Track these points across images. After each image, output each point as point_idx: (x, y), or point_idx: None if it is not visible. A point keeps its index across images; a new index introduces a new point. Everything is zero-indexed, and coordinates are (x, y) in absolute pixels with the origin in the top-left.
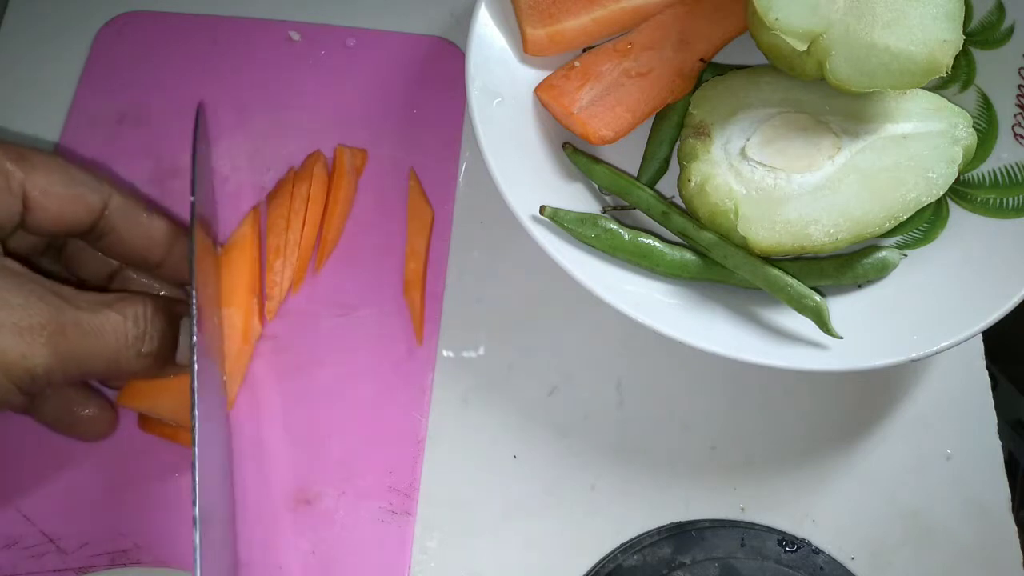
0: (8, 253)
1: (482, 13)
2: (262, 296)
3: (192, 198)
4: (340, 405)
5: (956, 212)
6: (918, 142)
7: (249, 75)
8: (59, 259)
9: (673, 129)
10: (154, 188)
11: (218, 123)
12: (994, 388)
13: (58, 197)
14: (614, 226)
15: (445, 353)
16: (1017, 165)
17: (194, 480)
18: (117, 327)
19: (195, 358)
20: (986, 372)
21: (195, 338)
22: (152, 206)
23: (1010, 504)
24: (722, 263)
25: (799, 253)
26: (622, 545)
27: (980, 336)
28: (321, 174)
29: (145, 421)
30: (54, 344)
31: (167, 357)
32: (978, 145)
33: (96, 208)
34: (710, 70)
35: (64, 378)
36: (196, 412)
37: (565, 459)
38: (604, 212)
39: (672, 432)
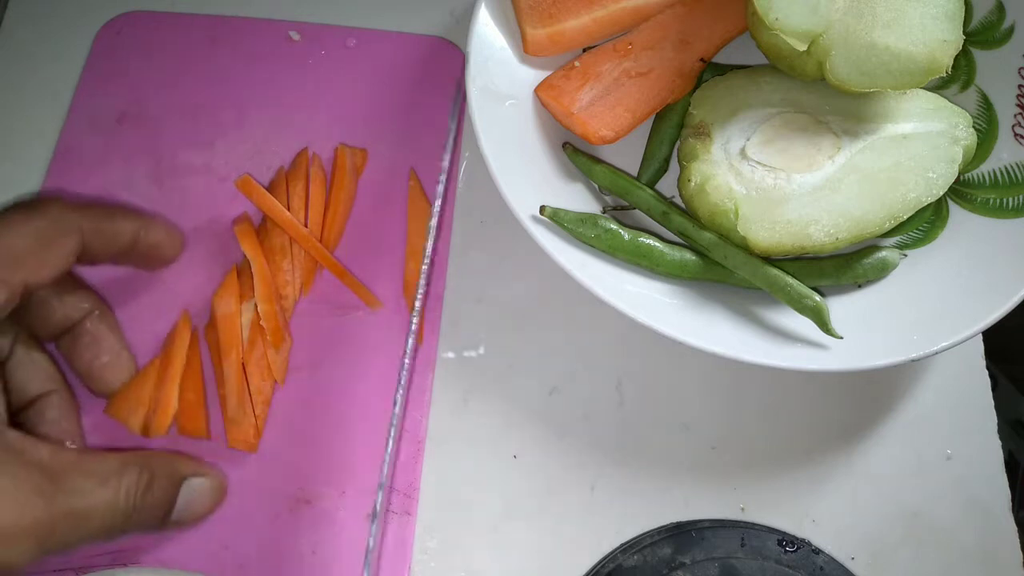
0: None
1: (482, 13)
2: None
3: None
4: (340, 405)
5: (956, 212)
6: (918, 142)
7: (249, 75)
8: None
9: (673, 129)
10: (154, 187)
11: (218, 123)
12: (994, 388)
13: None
14: (614, 226)
15: (445, 353)
16: (1017, 165)
17: None
18: (108, 505)
19: None
20: (986, 372)
21: None
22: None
23: (1010, 504)
24: (722, 263)
25: (799, 253)
26: (622, 545)
27: (980, 336)
28: (319, 173)
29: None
30: (40, 543)
31: (157, 524)
32: (978, 145)
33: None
34: (710, 70)
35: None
36: None
37: (565, 459)
38: (604, 212)
39: (672, 432)
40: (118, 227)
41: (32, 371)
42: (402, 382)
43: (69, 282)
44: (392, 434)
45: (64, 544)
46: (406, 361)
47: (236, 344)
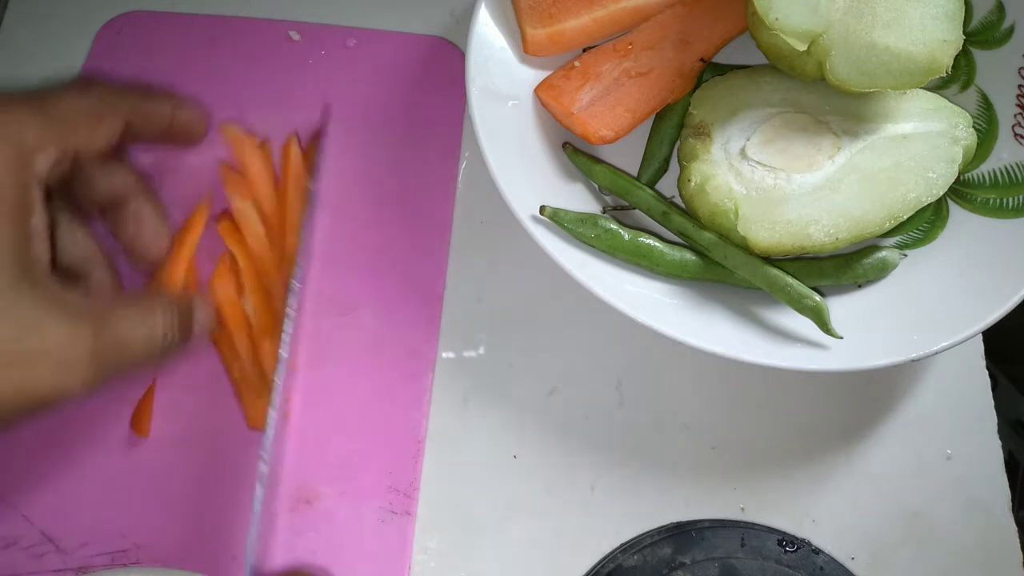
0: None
1: (482, 13)
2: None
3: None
4: (340, 405)
5: (956, 212)
6: (918, 142)
7: (249, 75)
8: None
9: (673, 129)
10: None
11: (218, 123)
12: (994, 388)
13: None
14: (614, 226)
15: (445, 353)
16: (1017, 165)
17: None
18: (148, 335)
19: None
20: (986, 372)
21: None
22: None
23: (1010, 504)
24: (722, 263)
25: (799, 253)
26: (622, 545)
27: (980, 336)
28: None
29: (137, 422)
30: (95, 368)
31: (184, 346)
32: (978, 145)
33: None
34: (710, 70)
35: (92, 393)
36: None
37: (565, 459)
38: (604, 212)
39: (672, 432)
40: (156, 107)
41: (78, 250)
42: (275, 408)
43: (116, 160)
44: (263, 481)
45: (115, 370)
46: (278, 391)
47: (240, 322)
